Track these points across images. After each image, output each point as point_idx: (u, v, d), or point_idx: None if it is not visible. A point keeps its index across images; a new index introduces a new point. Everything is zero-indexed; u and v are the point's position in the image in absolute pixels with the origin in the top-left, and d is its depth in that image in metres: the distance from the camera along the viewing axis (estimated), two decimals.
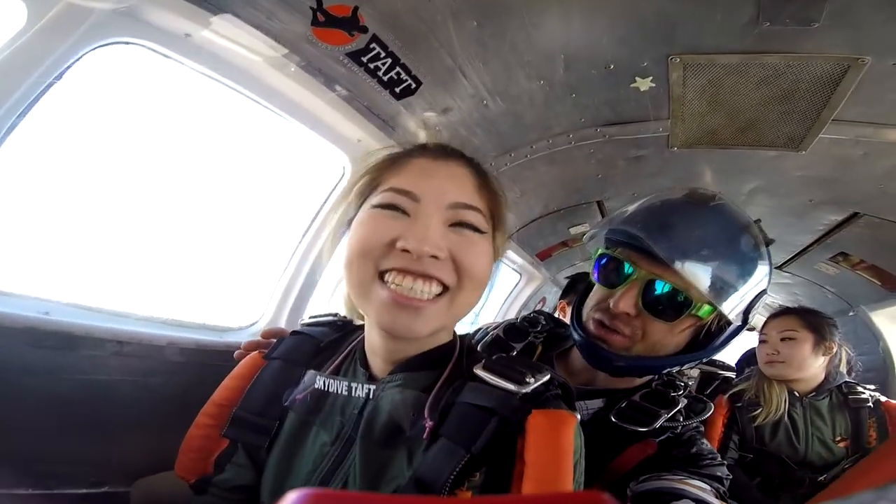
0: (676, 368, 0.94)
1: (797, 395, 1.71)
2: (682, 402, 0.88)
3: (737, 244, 0.86)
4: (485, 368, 0.63)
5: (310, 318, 0.86)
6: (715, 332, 0.90)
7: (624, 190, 2.00)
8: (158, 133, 1.28)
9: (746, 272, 0.86)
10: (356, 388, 0.65)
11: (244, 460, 0.71)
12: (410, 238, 0.58)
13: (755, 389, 1.75)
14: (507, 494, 0.54)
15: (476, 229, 0.63)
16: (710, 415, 1.68)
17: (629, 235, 0.86)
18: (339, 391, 0.66)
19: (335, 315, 0.84)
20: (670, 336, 0.87)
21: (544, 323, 1.10)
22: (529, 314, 1.15)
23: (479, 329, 1.16)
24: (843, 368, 1.77)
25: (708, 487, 0.76)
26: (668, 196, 0.95)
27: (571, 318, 0.98)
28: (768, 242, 0.92)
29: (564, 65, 1.34)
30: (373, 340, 0.68)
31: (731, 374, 2.07)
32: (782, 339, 1.71)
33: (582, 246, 2.56)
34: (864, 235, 2.12)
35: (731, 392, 1.79)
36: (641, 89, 1.41)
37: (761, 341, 1.79)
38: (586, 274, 1.03)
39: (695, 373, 3.03)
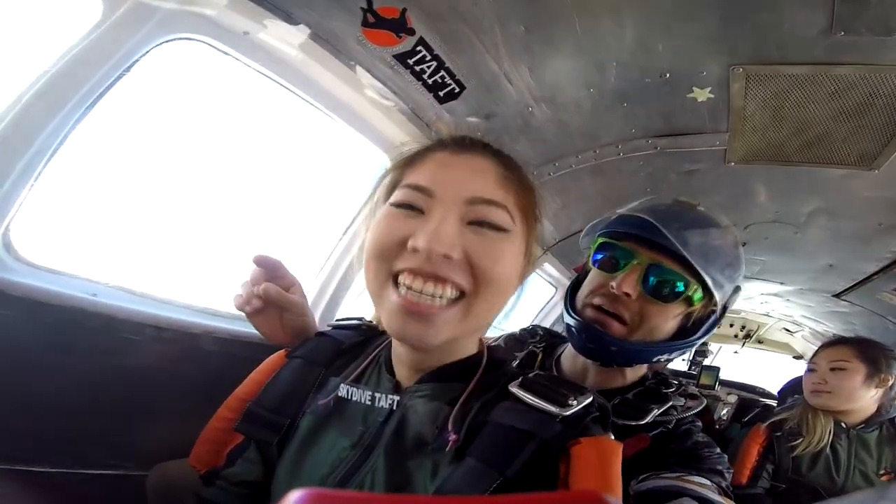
0: (665, 356, 0.97)
1: (844, 426, 1.61)
2: (678, 401, 0.93)
3: (725, 240, 0.94)
4: (522, 387, 0.60)
5: (335, 321, 0.87)
6: (703, 319, 0.96)
7: None
8: (213, 129, 1.32)
9: (731, 265, 0.94)
10: (379, 399, 0.64)
11: (255, 456, 0.71)
12: (421, 236, 0.54)
13: (798, 419, 1.67)
14: (507, 494, 0.50)
15: (498, 228, 0.57)
16: (744, 441, 1.70)
17: (636, 225, 0.92)
18: (363, 401, 0.65)
19: (360, 319, 0.84)
20: (664, 321, 0.92)
21: (542, 334, 1.15)
22: (528, 327, 1.20)
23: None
24: None
25: (709, 483, 0.76)
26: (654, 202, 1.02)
27: (565, 304, 1.02)
28: (742, 244, 1.00)
29: (616, 72, 1.30)
30: (396, 347, 0.66)
31: (772, 403, 1.98)
32: (832, 369, 1.61)
33: None
34: None
35: (771, 420, 1.73)
36: (699, 100, 1.34)
37: (809, 370, 1.70)
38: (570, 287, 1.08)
39: (732, 398, 2.86)
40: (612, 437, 0.59)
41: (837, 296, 2.45)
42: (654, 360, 0.98)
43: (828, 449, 1.59)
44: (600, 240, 0.98)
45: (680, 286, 0.90)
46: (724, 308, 0.97)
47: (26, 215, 0.98)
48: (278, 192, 1.49)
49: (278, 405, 0.70)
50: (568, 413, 0.56)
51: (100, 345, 1.04)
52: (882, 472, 1.56)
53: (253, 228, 1.46)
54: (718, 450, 0.86)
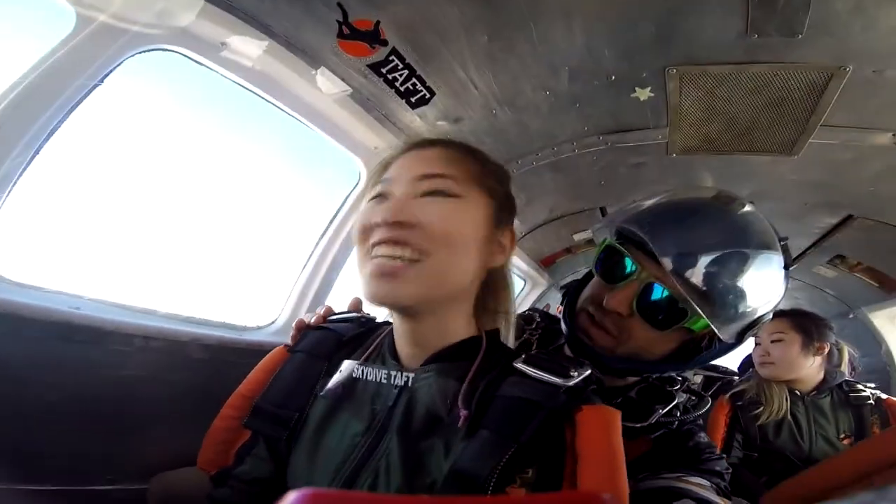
0: (656, 375, 0.90)
1: (798, 394, 1.76)
2: (681, 397, 0.86)
3: (751, 263, 0.80)
4: (526, 362, 0.64)
5: (335, 314, 0.86)
6: (705, 346, 0.86)
7: (625, 196, 2.05)
8: (185, 137, 1.34)
9: (752, 295, 0.80)
10: (395, 377, 0.66)
11: (264, 453, 0.71)
12: (379, 212, 0.63)
13: (756, 389, 1.80)
14: (508, 495, 0.53)
15: (448, 194, 0.65)
16: (712, 414, 1.79)
17: (653, 228, 0.81)
18: (378, 379, 0.67)
19: (360, 312, 0.86)
20: (657, 344, 0.85)
21: (539, 320, 1.09)
22: (525, 312, 1.14)
23: None
24: (845, 368, 1.83)
25: (708, 484, 0.74)
26: (695, 194, 0.92)
27: (564, 309, 0.97)
28: (788, 265, 0.85)
29: (569, 76, 1.43)
30: (397, 328, 0.70)
31: (734, 378, 2.12)
32: (772, 342, 1.77)
33: (585, 253, 2.64)
34: (859, 238, 2.19)
35: (731, 392, 1.85)
36: (641, 99, 1.50)
37: (756, 344, 1.86)
38: (577, 282, 1.01)
39: (698, 378, 3.05)
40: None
41: None
42: (643, 375, 0.91)
43: (788, 416, 1.72)
44: (607, 242, 0.89)
45: (678, 312, 0.80)
46: (742, 337, 0.84)
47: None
48: (258, 198, 1.51)
49: (284, 399, 0.71)
50: (571, 384, 0.60)
51: (89, 358, 1.03)
52: (842, 435, 1.70)
53: (234, 233, 1.47)
54: (718, 451, 0.84)
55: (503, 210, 0.72)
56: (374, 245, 0.63)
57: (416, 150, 0.72)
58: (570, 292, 0.99)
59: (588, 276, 0.97)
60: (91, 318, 1.03)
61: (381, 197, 0.67)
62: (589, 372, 0.63)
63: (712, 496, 0.72)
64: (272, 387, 0.74)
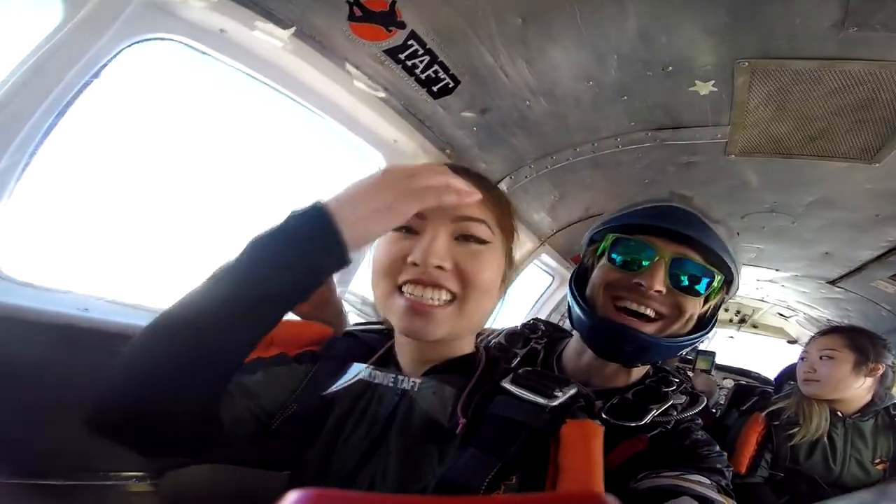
0: (683, 352, 0.96)
1: (840, 415, 1.60)
2: (679, 399, 0.91)
3: (727, 228, 0.92)
4: (513, 382, 0.66)
5: (359, 324, 0.87)
6: (716, 309, 0.96)
7: None
8: (192, 131, 1.26)
9: (737, 252, 0.93)
10: (402, 381, 0.68)
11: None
12: (418, 252, 0.62)
13: (795, 408, 1.64)
14: (510, 494, 0.57)
15: (481, 240, 0.66)
16: (744, 430, 1.70)
17: (659, 217, 0.89)
18: (386, 382, 0.69)
19: (382, 323, 0.83)
20: (696, 311, 0.91)
21: (543, 329, 1.12)
22: (528, 321, 1.17)
23: (481, 336, 1.10)
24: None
25: (708, 481, 0.75)
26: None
27: (577, 304, 0.97)
28: (737, 233, 0.98)
29: (617, 65, 1.25)
30: (403, 344, 0.72)
31: (769, 388, 1.98)
32: (821, 358, 1.60)
33: None
34: None
35: (769, 410, 1.70)
36: (701, 93, 1.30)
37: (801, 358, 1.69)
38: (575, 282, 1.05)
39: (728, 383, 2.89)
40: (597, 423, 0.64)
41: (832, 283, 2.47)
42: (678, 354, 0.96)
43: (825, 438, 1.58)
44: (614, 236, 0.94)
45: (706, 278, 0.89)
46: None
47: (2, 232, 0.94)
48: (263, 192, 1.44)
49: (317, 406, 0.71)
50: (555, 403, 0.63)
51: (97, 361, 1.01)
52: (877, 460, 1.56)
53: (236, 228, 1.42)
54: (718, 448, 0.85)
55: (512, 248, 0.73)
56: (405, 282, 0.64)
57: None
58: (574, 294, 0.99)
59: (581, 277, 1.00)
60: (97, 321, 1.02)
61: (409, 231, 0.65)
62: (574, 391, 0.66)
63: (713, 494, 0.73)
64: (307, 390, 0.73)
